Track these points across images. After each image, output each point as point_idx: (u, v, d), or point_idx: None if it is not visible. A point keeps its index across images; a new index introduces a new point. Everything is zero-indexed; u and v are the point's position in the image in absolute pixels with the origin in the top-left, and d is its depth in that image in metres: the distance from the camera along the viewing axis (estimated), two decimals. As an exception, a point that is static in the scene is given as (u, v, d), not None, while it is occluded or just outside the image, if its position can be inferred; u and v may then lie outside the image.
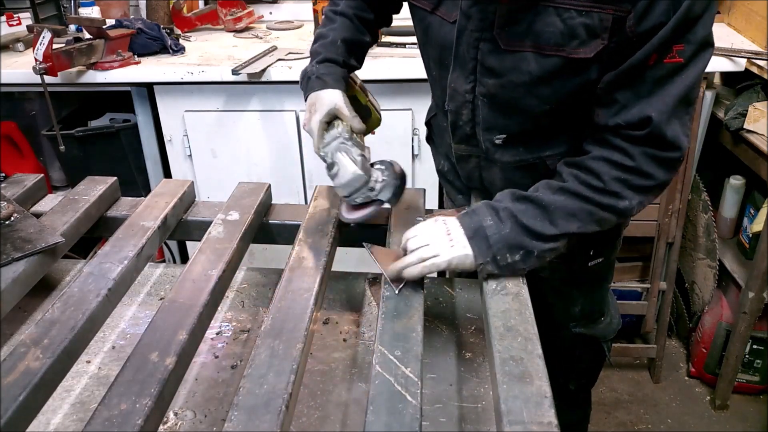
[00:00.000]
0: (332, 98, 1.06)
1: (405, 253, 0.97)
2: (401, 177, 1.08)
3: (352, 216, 1.07)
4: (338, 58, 1.14)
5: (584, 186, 0.95)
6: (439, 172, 1.42)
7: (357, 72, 1.24)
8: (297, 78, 1.18)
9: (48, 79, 1.90)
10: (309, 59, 1.16)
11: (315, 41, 1.18)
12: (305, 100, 1.11)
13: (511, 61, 0.97)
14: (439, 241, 0.95)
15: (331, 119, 1.07)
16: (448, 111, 1.11)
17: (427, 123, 1.39)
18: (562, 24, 0.90)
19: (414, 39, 2.14)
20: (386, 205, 1.08)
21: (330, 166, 1.05)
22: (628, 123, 0.92)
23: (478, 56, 1.00)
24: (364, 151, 1.05)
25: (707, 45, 0.90)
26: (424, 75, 1.32)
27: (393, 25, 2.26)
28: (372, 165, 1.06)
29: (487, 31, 0.97)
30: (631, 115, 0.92)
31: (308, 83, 1.10)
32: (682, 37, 0.87)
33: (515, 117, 1.05)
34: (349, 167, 1.02)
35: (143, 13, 2.56)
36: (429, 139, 1.43)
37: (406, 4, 1.23)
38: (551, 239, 0.95)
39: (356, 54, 1.20)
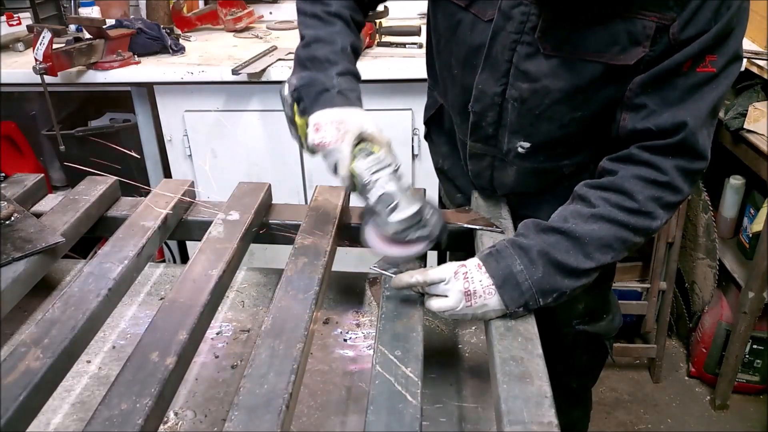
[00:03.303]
0: (361, 120, 0.96)
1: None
2: (443, 214, 1.01)
3: (403, 252, 0.97)
4: (356, 71, 1.05)
5: (617, 209, 0.91)
6: (439, 170, 1.41)
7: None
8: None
9: (48, 79, 1.90)
10: (302, 63, 1.03)
11: (311, 43, 1.04)
12: (301, 111, 1.00)
13: (548, 65, 0.94)
14: (456, 296, 0.88)
15: (357, 142, 0.97)
16: (472, 111, 1.07)
17: (426, 122, 1.38)
18: (605, 30, 0.88)
19: (414, 39, 2.16)
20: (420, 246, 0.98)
21: (384, 198, 0.94)
22: (659, 128, 0.90)
23: (514, 59, 0.97)
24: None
25: (737, 58, 0.90)
26: (423, 75, 1.31)
27: (393, 25, 2.27)
28: None
29: (527, 34, 0.94)
30: (662, 120, 0.90)
31: (322, 96, 0.98)
32: (717, 48, 0.86)
33: (544, 123, 1.02)
34: (410, 201, 0.95)
35: (143, 13, 2.56)
36: (428, 136, 1.42)
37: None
38: (584, 274, 0.90)
39: (356, 64, 1.10)
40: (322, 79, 0.99)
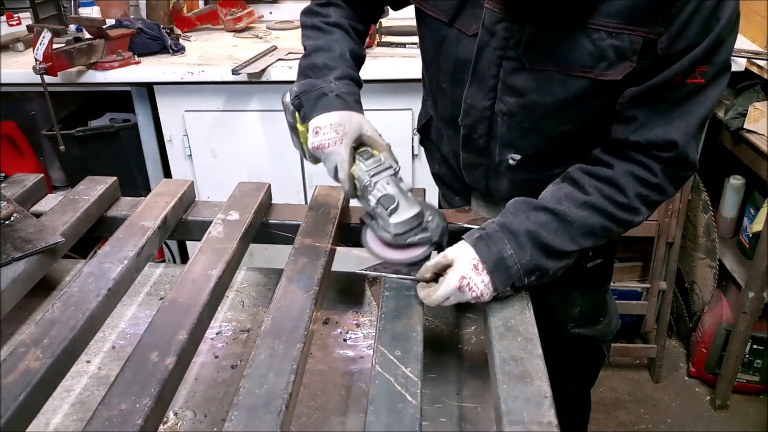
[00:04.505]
0: (359, 122, 0.99)
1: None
2: (444, 216, 1.02)
3: (402, 256, 0.98)
4: (356, 75, 1.07)
5: (608, 201, 0.93)
6: (435, 175, 1.41)
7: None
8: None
9: (48, 79, 1.90)
10: (303, 72, 1.06)
11: (311, 53, 1.07)
12: (302, 117, 1.01)
13: (535, 80, 0.95)
14: (455, 293, 0.90)
15: (357, 146, 0.99)
16: (462, 125, 1.07)
17: (420, 129, 1.38)
18: (591, 45, 0.88)
19: (414, 39, 2.16)
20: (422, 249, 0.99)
21: (384, 200, 0.95)
22: (650, 143, 0.91)
23: (500, 74, 0.97)
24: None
25: (726, 68, 0.90)
26: (424, 75, 1.31)
27: (393, 25, 2.27)
28: None
29: (512, 50, 0.94)
30: (653, 135, 0.91)
31: (321, 100, 0.99)
32: (707, 59, 0.87)
33: (533, 137, 1.03)
34: (410, 204, 0.95)
35: (143, 13, 2.56)
36: (423, 143, 1.42)
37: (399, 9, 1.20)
38: (566, 256, 0.93)
39: (359, 70, 1.11)
40: (320, 84, 1.01)
